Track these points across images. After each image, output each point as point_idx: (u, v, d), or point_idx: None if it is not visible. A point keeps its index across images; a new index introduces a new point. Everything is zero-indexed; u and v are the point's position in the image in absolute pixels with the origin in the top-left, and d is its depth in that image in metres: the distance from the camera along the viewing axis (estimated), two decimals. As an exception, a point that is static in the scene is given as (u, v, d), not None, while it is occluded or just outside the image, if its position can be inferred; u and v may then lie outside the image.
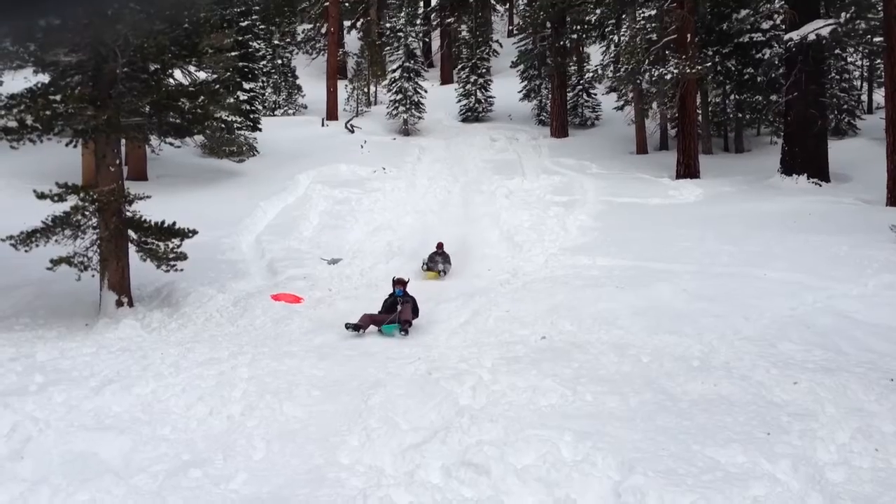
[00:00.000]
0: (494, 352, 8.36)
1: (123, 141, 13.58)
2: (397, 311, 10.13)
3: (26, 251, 10.51)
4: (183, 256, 11.27)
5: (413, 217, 18.43)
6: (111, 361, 8.19)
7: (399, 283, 10.85)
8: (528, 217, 17.31)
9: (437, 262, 14.40)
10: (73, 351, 8.74)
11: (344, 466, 5.59)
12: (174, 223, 11.34)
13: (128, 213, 11.25)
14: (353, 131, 29.09)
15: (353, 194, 20.00)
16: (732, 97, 25.45)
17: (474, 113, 33.98)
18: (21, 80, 11.49)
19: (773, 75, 23.83)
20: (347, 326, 9.76)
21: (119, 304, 11.12)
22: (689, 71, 20.90)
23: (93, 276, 10.98)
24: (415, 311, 10.37)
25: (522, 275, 12.99)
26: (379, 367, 8.06)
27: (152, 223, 11.23)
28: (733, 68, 24.74)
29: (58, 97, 10.43)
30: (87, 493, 5.04)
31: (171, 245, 11.28)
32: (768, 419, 6.12)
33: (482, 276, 13.29)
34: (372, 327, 10.08)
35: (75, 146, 11.66)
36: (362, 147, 26.01)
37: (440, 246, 14.90)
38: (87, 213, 10.88)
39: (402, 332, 9.75)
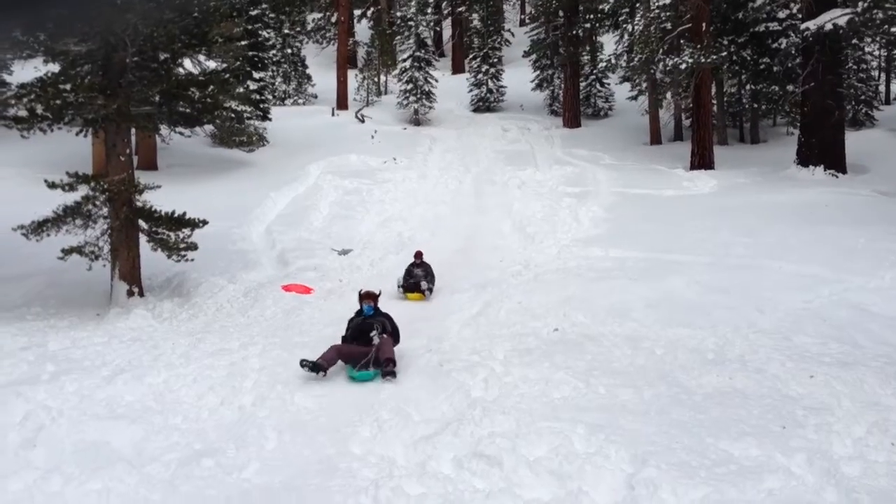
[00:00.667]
0: (506, 344, 8.31)
1: (133, 130, 13.55)
2: (372, 348, 7.57)
3: (37, 240, 10.53)
4: (193, 246, 11.26)
5: (424, 208, 18.39)
6: (123, 351, 8.23)
7: (368, 299, 8.40)
8: (541, 208, 17.26)
9: (419, 277, 11.98)
10: (85, 340, 8.78)
11: (356, 457, 5.58)
12: (184, 213, 11.33)
13: (138, 203, 11.24)
14: (363, 121, 29.04)
15: (364, 185, 19.96)
16: (748, 87, 25.19)
17: (486, 103, 33.87)
18: (31, 69, 11.50)
19: (790, 65, 23.56)
20: (304, 364, 7.25)
21: (130, 293, 11.13)
22: (704, 60, 20.70)
23: (104, 265, 11.00)
24: (395, 336, 8.08)
25: (535, 266, 12.93)
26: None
27: (163, 213, 11.23)
28: (749, 58, 24.50)
29: (68, 86, 10.41)
30: (99, 482, 5.05)
31: (181, 235, 11.26)
32: (783, 413, 6.05)
33: (494, 267, 13.22)
34: (340, 363, 7.73)
35: (85, 135, 11.67)
36: (373, 137, 25.96)
37: (419, 255, 12.58)
38: (97, 202, 10.88)
39: (388, 378, 7.24)
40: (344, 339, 8.05)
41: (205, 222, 11.41)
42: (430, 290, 11.79)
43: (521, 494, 4.88)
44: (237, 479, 5.28)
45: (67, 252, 10.38)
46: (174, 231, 11.25)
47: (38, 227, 10.46)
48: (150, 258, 11.57)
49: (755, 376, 6.92)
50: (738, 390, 6.61)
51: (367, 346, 7.65)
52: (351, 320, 8.36)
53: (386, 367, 7.29)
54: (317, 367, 7.24)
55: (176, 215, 11.27)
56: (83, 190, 10.70)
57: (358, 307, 8.56)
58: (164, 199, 11.47)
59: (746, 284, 10.32)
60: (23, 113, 10.42)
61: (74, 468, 5.26)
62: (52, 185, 10.37)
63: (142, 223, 11.29)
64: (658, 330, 8.71)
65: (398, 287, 11.90)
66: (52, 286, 11.52)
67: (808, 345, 7.91)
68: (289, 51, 32.82)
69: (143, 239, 11.36)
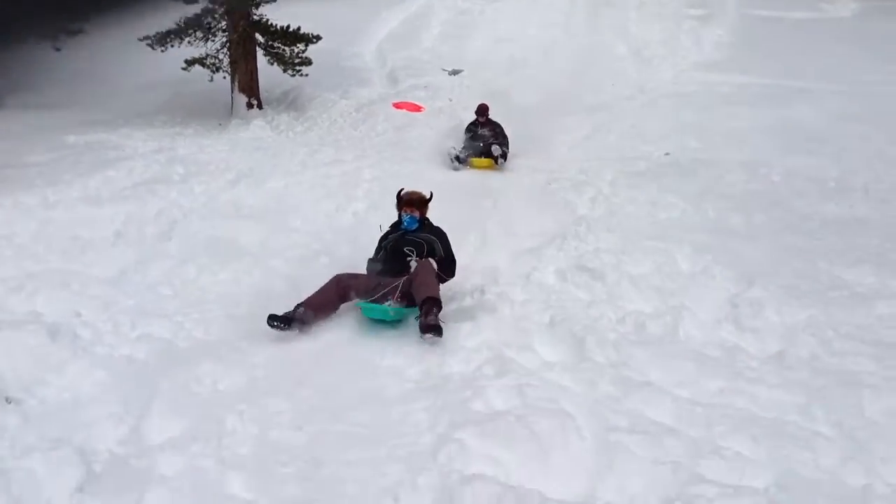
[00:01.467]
0: (616, 165, 8.25)
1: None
2: (404, 279, 4.86)
3: (162, 51, 10.91)
4: (308, 61, 11.41)
5: (536, 29, 17.66)
6: (245, 158, 8.67)
7: (409, 206, 5.38)
8: (659, 30, 16.40)
9: (485, 138, 9.30)
10: (210, 147, 9.27)
11: (463, 266, 5.75)
12: (299, 28, 11.40)
13: (255, 17, 11.37)
14: (476, -64, 27.53)
15: (476, 4, 19.31)
16: None
17: (607, -84, 31.24)
18: None
19: None
20: (273, 322, 4.44)
21: (249, 105, 11.54)
22: None
23: (224, 77, 11.34)
24: (448, 266, 5.18)
25: (649, 90, 12.46)
26: (497, 176, 8.11)
27: (278, 27, 11.34)
28: None
29: None
30: (229, 272, 5.52)
31: (296, 49, 11.42)
32: (905, 242, 5.82)
33: (606, 90, 12.80)
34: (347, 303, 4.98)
35: (201, -54, 11.66)
36: (485, -46, 24.67)
37: (484, 111, 9.78)
38: (216, 15, 11.08)
39: (429, 335, 4.31)
40: (371, 262, 5.18)
41: (318, 37, 11.46)
42: (505, 155, 9.12)
43: (622, 306, 4.91)
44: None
45: (190, 63, 10.76)
46: (289, 45, 11.41)
47: (163, 38, 10.81)
48: (267, 72, 11.83)
49: (879, 206, 6.66)
50: (858, 219, 6.39)
51: (398, 276, 4.97)
52: (384, 237, 5.49)
53: (427, 318, 4.42)
54: (287, 321, 4.49)
55: (290, 30, 11.36)
56: (203, 2, 10.89)
57: (397, 218, 5.52)
58: (278, 15, 11.52)
59: (881, 113, 9.66)
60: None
61: (206, 259, 5.73)
62: (172, -4, 10.59)
63: (258, 37, 11.46)
64: (777, 157, 8.37)
65: (452, 159, 9.08)
66: (177, 96, 12.05)
67: (941, 175, 7.45)
68: None
69: (259, 53, 11.57)
